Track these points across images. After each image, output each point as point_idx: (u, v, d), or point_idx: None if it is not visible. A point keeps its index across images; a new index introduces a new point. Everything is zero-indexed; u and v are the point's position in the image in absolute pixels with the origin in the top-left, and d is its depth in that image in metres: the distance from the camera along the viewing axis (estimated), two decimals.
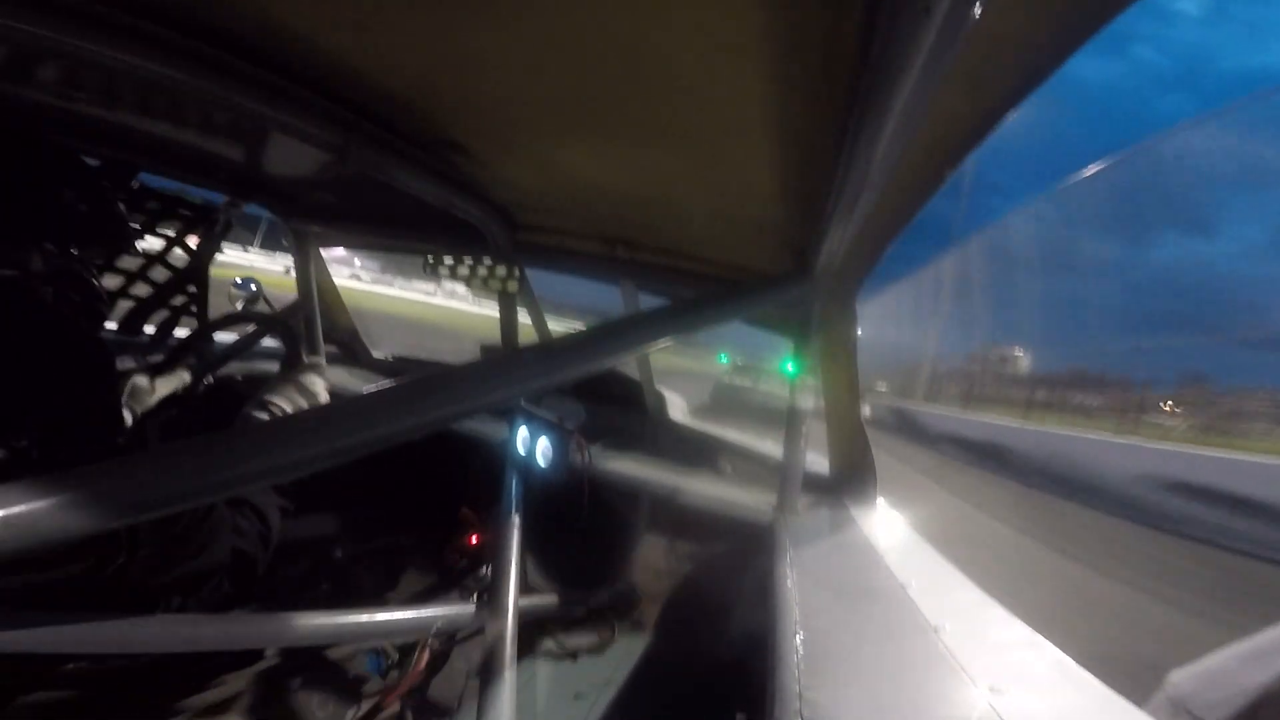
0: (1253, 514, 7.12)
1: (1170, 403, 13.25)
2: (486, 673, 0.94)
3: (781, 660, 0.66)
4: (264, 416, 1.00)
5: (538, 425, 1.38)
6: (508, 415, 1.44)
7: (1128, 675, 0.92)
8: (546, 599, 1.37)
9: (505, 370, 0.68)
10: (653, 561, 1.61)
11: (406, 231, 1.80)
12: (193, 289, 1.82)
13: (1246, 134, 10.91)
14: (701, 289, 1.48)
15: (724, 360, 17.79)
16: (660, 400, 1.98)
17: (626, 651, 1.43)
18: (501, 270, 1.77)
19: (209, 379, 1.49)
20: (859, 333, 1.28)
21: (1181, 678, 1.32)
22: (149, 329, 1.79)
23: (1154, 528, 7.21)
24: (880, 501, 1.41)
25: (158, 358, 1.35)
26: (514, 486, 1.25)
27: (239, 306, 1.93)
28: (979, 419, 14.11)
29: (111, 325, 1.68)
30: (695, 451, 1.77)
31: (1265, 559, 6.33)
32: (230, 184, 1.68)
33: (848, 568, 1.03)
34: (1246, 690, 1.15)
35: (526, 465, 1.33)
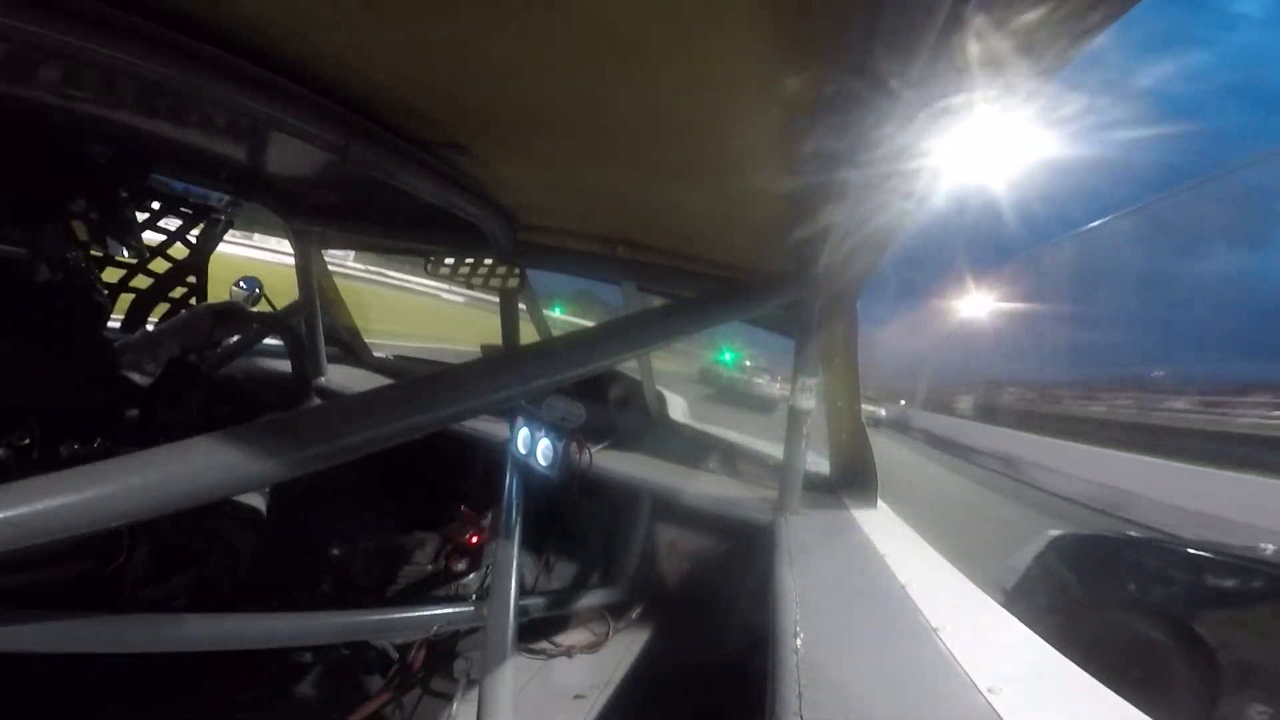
0: None
1: None
2: (486, 672, 0.94)
3: (781, 660, 0.66)
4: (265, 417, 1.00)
5: (538, 425, 1.38)
6: (508, 415, 1.44)
7: None
8: (546, 599, 1.38)
9: (505, 370, 0.68)
10: (653, 561, 1.61)
11: (408, 231, 1.80)
12: (192, 280, 1.82)
13: None
14: (702, 289, 1.48)
15: (729, 360, 17.34)
16: (660, 400, 1.98)
17: (626, 651, 1.43)
18: (503, 270, 1.78)
19: (209, 378, 1.49)
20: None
21: (998, 567, 2.80)
22: (149, 326, 1.79)
23: None
24: (880, 501, 1.41)
25: (148, 361, 1.35)
26: (514, 486, 1.25)
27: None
28: None
29: (113, 323, 1.69)
30: (695, 451, 1.77)
31: None
32: (232, 183, 1.68)
33: (848, 568, 1.03)
34: (1020, 567, 2.71)
35: (526, 465, 1.32)
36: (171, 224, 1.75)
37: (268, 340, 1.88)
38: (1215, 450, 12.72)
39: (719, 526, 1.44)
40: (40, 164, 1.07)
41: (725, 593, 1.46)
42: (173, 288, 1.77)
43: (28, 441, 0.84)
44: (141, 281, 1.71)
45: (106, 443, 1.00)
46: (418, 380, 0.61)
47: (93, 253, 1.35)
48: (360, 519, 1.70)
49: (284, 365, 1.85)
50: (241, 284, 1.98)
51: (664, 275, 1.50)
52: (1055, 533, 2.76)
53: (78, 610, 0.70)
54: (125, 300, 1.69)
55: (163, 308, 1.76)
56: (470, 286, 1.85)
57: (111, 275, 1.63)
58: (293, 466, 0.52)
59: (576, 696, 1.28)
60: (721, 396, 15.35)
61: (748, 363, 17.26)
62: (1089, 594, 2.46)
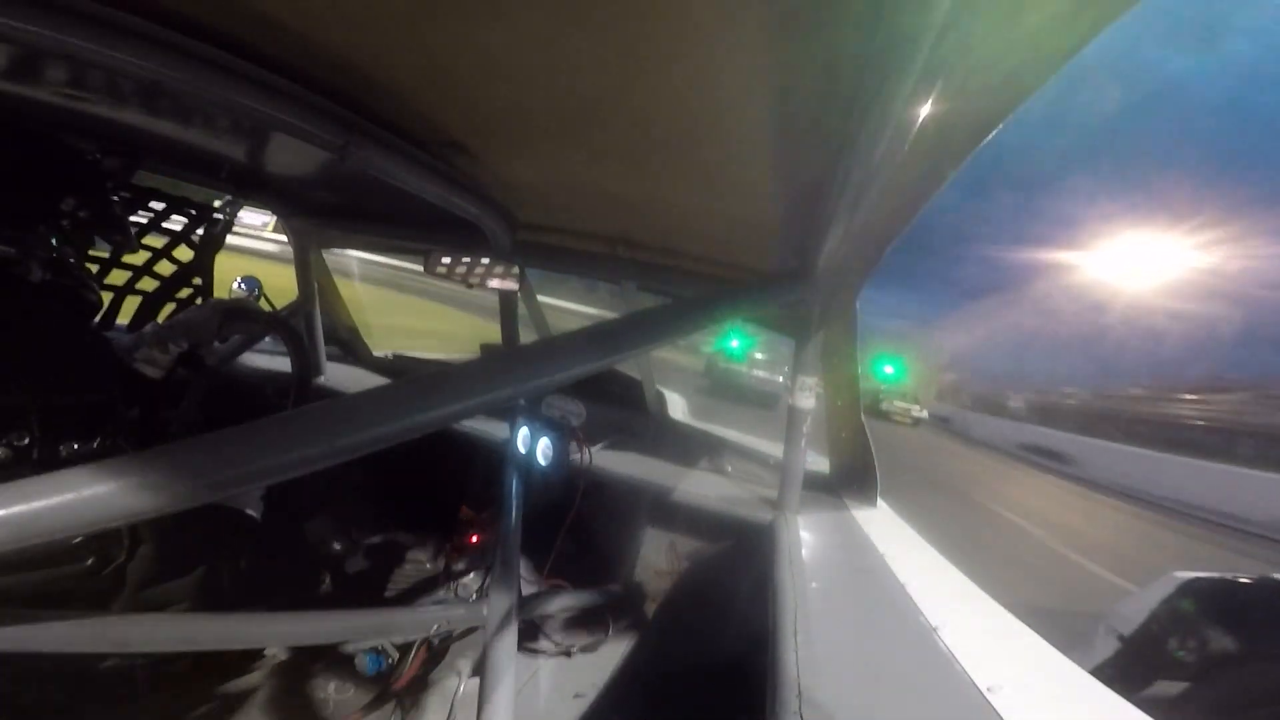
0: None
1: None
2: (486, 672, 0.94)
3: (781, 660, 0.66)
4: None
5: (538, 425, 1.38)
6: (508, 415, 1.44)
7: None
8: (546, 598, 1.38)
9: (505, 370, 0.68)
10: (653, 561, 1.61)
11: (407, 230, 1.80)
12: (198, 282, 1.82)
13: None
14: (702, 289, 1.48)
15: (738, 349, 14.67)
16: (660, 400, 1.98)
17: (626, 651, 1.43)
18: (501, 269, 1.77)
19: (210, 377, 1.49)
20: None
21: (1111, 611, 2.44)
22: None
23: None
24: (880, 501, 1.41)
25: (159, 354, 1.36)
26: (514, 486, 1.25)
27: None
28: None
29: (122, 321, 1.69)
30: (695, 451, 1.77)
31: None
32: (232, 182, 1.68)
33: (847, 567, 1.04)
34: (1141, 612, 2.27)
35: (526, 465, 1.33)
36: (168, 226, 1.75)
37: (267, 339, 1.88)
38: None
39: (719, 526, 1.44)
40: (31, 162, 1.07)
41: (725, 592, 1.46)
42: (179, 289, 1.77)
43: (28, 441, 0.84)
44: (148, 284, 1.71)
45: (106, 442, 1.00)
46: (418, 380, 0.61)
47: (95, 254, 1.35)
48: (360, 519, 1.70)
49: (283, 364, 1.85)
50: (241, 284, 1.98)
51: (664, 275, 1.50)
52: (1183, 575, 2.38)
53: (78, 610, 0.70)
54: (131, 303, 1.69)
55: (169, 309, 1.76)
56: (469, 286, 1.85)
57: (118, 278, 1.63)
58: (293, 466, 0.52)
59: (576, 696, 1.29)
60: (729, 392, 13.55)
61: (759, 355, 14.73)
62: (1242, 646, 2.05)
